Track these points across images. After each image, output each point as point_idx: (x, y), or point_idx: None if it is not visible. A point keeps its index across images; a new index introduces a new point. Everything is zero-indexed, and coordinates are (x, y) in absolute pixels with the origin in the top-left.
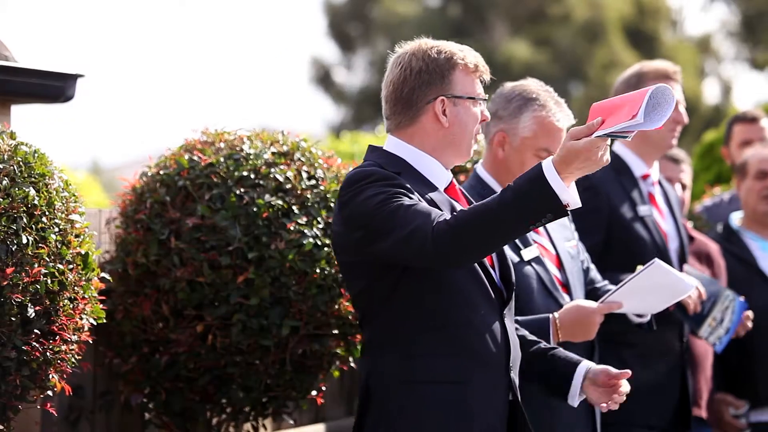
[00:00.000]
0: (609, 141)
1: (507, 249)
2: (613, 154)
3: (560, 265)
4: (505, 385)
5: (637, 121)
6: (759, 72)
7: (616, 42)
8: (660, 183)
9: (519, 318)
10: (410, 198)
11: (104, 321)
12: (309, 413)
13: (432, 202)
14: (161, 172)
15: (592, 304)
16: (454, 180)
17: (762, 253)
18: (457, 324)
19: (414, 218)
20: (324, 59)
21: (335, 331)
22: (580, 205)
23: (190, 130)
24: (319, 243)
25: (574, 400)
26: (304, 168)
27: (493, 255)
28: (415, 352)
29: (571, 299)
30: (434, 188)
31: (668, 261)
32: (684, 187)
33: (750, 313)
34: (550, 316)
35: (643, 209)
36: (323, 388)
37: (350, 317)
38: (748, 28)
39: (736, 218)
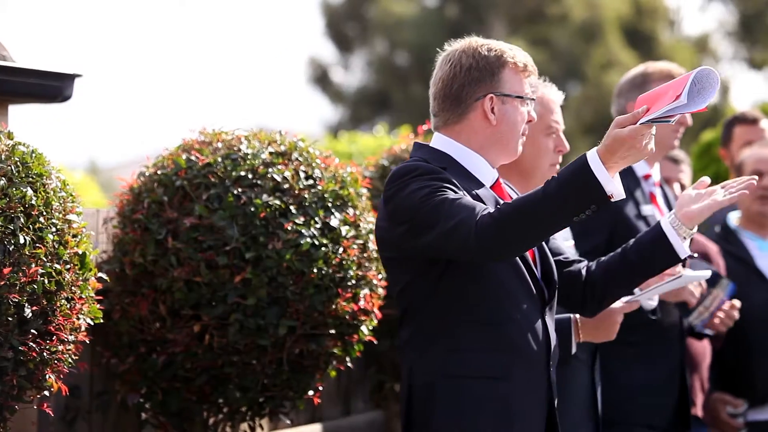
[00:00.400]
0: (653, 129)
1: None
2: None
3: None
4: (546, 384)
5: (681, 102)
6: (757, 72)
7: (613, 42)
8: (660, 184)
9: None
10: (455, 192)
11: (101, 321)
12: (306, 413)
13: (477, 198)
14: (159, 172)
15: (614, 303)
16: (501, 179)
17: (759, 252)
18: (499, 319)
19: (458, 211)
20: (321, 59)
21: (332, 331)
22: (623, 196)
23: (188, 130)
24: (316, 243)
25: (682, 248)
26: (302, 168)
27: (536, 252)
28: (458, 346)
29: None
30: (480, 185)
31: None
32: (683, 187)
33: (737, 303)
34: (572, 316)
35: (646, 209)
36: (320, 388)
37: (347, 317)
38: (745, 27)
39: (733, 218)
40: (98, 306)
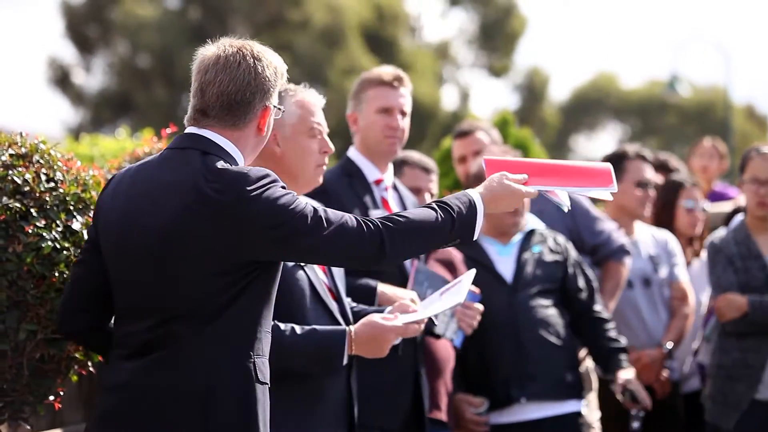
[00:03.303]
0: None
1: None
2: (347, 159)
3: (328, 271)
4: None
5: (610, 189)
6: (496, 79)
7: (355, 47)
8: (396, 187)
9: (317, 327)
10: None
11: None
12: (46, 418)
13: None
14: None
15: (387, 321)
16: None
17: (499, 257)
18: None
19: (340, 217)
20: (62, 60)
21: None
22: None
23: None
24: (58, 246)
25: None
26: (43, 170)
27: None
28: (259, 352)
29: (340, 306)
30: None
31: (402, 266)
32: (432, 196)
33: (480, 308)
34: (347, 329)
35: (375, 213)
36: (61, 393)
37: None
38: (485, 35)
39: None
40: None
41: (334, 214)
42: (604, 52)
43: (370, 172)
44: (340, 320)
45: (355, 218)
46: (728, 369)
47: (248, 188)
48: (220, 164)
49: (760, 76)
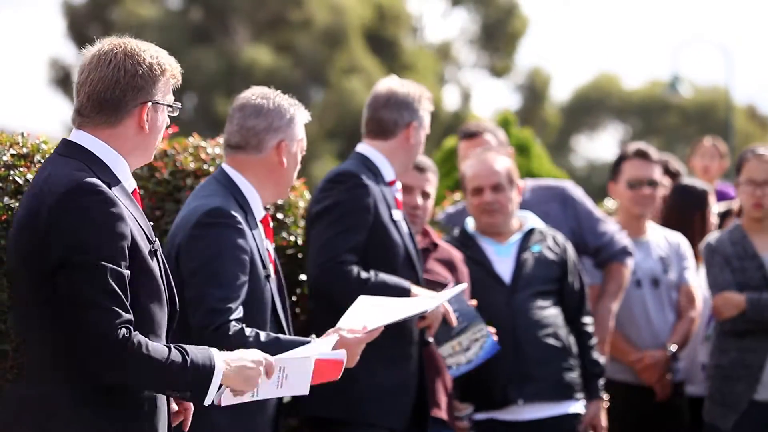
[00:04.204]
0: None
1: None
2: (364, 157)
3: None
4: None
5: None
6: (497, 79)
7: (357, 47)
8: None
9: (281, 336)
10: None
11: None
12: None
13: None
14: None
15: (352, 334)
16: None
17: (497, 257)
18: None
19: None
20: (63, 60)
21: None
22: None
23: None
24: None
25: None
26: None
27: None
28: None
29: (287, 322)
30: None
31: (415, 268)
32: (427, 195)
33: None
34: (311, 339)
35: (396, 213)
36: None
37: None
38: (487, 35)
39: (471, 223)
40: None
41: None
42: (605, 53)
43: (388, 172)
44: (287, 333)
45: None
46: (726, 369)
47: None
48: (64, 172)
49: (761, 77)
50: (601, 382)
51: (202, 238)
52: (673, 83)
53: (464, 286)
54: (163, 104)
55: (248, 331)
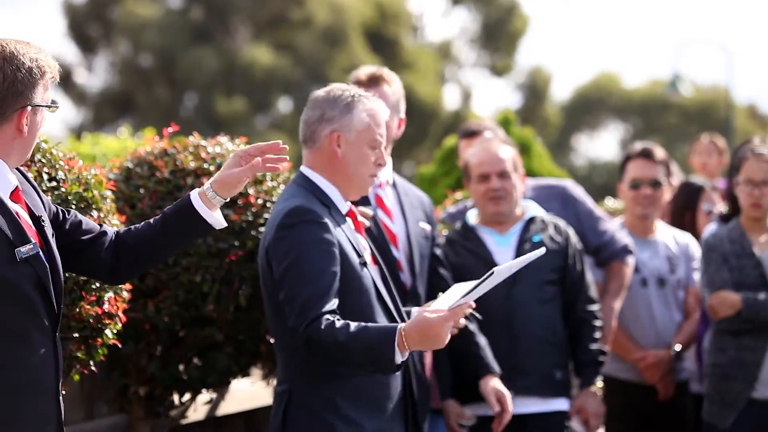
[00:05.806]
0: None
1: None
2: None
3: (383, 272)
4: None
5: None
6: (498, 78)
7: (357, 46)
8: (395, 185)
9: (369, 325)
10: None
11: None
12: None
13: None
14: None
15: (437, 314)
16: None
17: (497, 248)
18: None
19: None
20: (64, 60)
21: (76, 335)
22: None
23: None
24: None
25: (214, 218)
26: (45, 169)
27: (49, 277)
28: None
29: (395, 306)
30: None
31: (394, 263)
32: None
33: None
34: (398, 326)
35: (364, 209)
36: (63, 392)
37: (91, 320)
38: (487, 34)
39: (472, 216)
40: None
41: None
42: (606, 52)
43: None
44: (398, 319)
45: None
46: (724, 367)
47: None
48: None
49: (762, 76)
50: (597, 370)
51: (285, 239)
52: (674, 82)
53: (543, 250)
54: (42, 106)
55: (339, 323)
